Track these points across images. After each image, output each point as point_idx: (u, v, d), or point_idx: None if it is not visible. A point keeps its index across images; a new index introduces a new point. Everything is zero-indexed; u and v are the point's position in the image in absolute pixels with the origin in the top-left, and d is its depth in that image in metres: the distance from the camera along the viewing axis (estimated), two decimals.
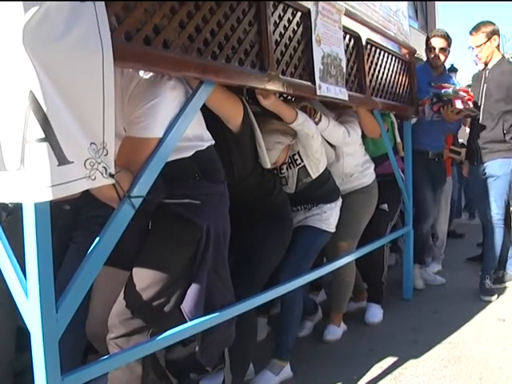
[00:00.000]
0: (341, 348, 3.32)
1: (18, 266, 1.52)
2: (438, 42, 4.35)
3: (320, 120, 2.96)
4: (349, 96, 2.88)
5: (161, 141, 1.77)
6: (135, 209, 1.64)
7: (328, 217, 3.09)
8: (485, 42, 4.08)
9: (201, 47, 1.89)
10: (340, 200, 3.21)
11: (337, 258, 3.24)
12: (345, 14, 2.88)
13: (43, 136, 1.30)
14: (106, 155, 1.49)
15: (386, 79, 3.47)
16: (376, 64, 3.34)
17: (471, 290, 4.33)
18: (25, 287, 1.45)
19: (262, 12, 2.22)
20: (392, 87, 3.58)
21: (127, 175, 1.66)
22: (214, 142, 2.18)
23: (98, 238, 1.56)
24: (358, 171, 3.48)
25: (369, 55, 3.23)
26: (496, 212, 4.17)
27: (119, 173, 1.55)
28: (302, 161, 2.96)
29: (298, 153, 2.95)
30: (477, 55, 4.18)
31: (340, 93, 2.76)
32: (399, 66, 3.70)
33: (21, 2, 1.25)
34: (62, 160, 1.34)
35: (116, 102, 1.52)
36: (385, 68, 3.46)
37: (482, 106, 4.17)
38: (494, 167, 4.13)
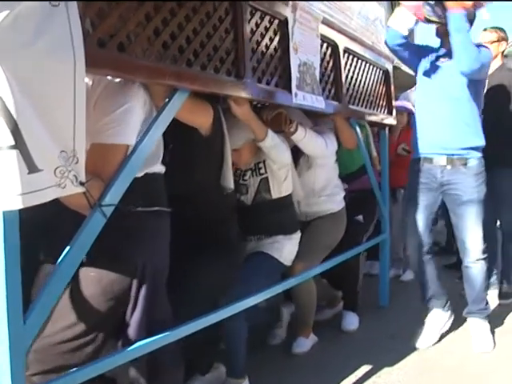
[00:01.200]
0: (315, 357, 3.30)
1: None
2: None
3: (296, 130, 2.92)
4: (325, 104, 2.88)
5: (134, 149, 1.75)
6: (106, 218, 1.62)
7: (280, 247, 2.91)
8: (493, 41, 4.15)
9: (176, 54, 1.88)
10: (298, 234, 3.05)
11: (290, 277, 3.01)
12: (322, 23, 2.89)
13: (13, 143, 1.27)
14: (76, 163, 1.46)
15: (363, 88, 3.49)
16: (353, 72, 3.36)
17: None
18: None
19: (238, 19, 2.22)
20: (369, 96, 3.60)
21: (98, 183, 1.63)
22: (164, 170, 2.04)
23: (67, 248, 1.54)
24: (328, 192, 3.40)
25: (346, 63, 3.25)
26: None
27: (90, 181, 1.53)
28: (266, 172, 2.90)
29: (264, 162, 2.89)
30: None
31: (316, 101, 2.76)
32: (377, 74, 3.72)
33: None
34: (31, 168, 1.32)
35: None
36: (362, 76, 3.49)
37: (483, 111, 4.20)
38: (502, 174, 4.10)
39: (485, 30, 4.25)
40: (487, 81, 4.17)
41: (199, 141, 2.36)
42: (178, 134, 2.14)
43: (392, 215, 5.03)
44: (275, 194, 2.91)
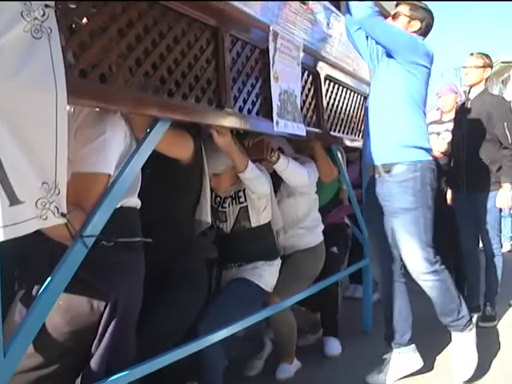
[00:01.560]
0: (299, 383, 3.28)
1: None
2: None
3: (278, 159, 2.93)
4: (306, 131, 2.90)
5: (115, 179, 1.76)
6: (88, 248, 1.62)
7: (261, 272, 2.87)
8: (478, 67, 4.24)
9: (157, 85, 1.90)
10: (279, 260, 3.03)
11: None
12: (304, 51, 2.92)
13: None
14: (57, 194, 1.47)
15: (344, 114, 3.54)
16: (334, 99, 3.40)
17: (433, 320, 4.33)
18: None
19: (219, 49, 2.25)
20: (351, 122, 3.64)
21: (79, 214, 1.64)
22: (140, 205, 2.02)
23: (49, 279, 1.53)
24: (308, 223, 3.36)
25: (327, 91, 3.29)
26: (493, 241, 4.25)
27: (71, 212, 1.53)
28: (246, 200, 2.89)
29: (244, 190, 2.88)
30: (466, 74, 4.33)
31: (298, 128, 2.79)
32: (358, 101, 3.77)
33: None
34: (13, 200, 1.33)
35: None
36: (343, 103, 3.53)
37: (464, 135, 4.29)
38: (481, 199, 4.20)
39: (471, 54, 4.35)
40: (469, 105, 4.27)
41: (177, 170, 2.34)
42: (156, 160, 2.10)
43: None
44: (254, 222, 2.90)
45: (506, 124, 4.07)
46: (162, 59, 1.93)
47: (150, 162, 2.01)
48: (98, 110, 1.80)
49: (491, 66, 4.37)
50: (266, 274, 2.90)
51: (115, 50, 1.72)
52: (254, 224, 2.90)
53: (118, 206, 1.83)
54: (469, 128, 4.26)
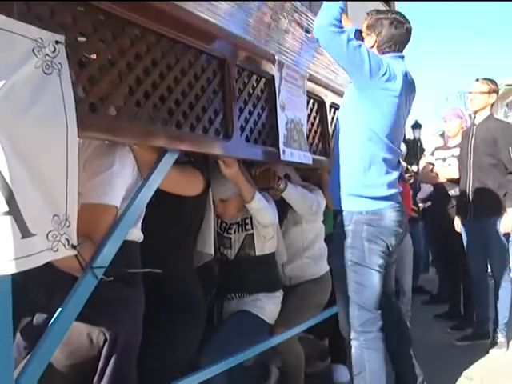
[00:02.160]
0: None
1: None
2: None
3: (286, 187, 2.94)
4: (313, 160, 2.93)
5: (124, 210, 1.78)
6: (98, 279, 1.64)
7: (262, 304, 2.82)
8: (483, 92, 4.29)
9: (166, 117, 1.93)
10: (280, 292, 2.96)
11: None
12: (309, 79, 2.96)
13: (7, 209, 1.31)
14: (68, 227, 1.49)
15: None
16: None
17: (440, 347, 4.32)
18: None
19: (226, 79, 2.28)
20: None
21: (89, 246, 1.66)
22: (142, 238, 2.02)
23: (59, 310, 1.55)
24: (315, 252, 3.28)
25: (333, 118, 3.31)
26: (501, 266, 4.27)
27: (81, 244, 1.55)
28: (252, 228, 2.86)
29: (251, 218, 2.85)
30: (471, 100, 4.38)
31: (304, 157, 2.81)
32: None
33: None
34: (25, 233, 1.35)
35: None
36: None
37: (471, 161, 4.32)
38: (488, 224, 4.21)
39: (477, 80, 4.39)
40: (474, 131, 4.29)
41: (182, 201, 2.33)
42: (160, 190, 2.10)
43: None
44: (259, 251, 2.87)
45: (511, 149, 4.09)
46: (169, 91, 1.96)
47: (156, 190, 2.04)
48: (107, 142, 1.84)
49: (497, 92, 4.41)
50: (268, 307, 2.85)
51: (124, 84, 1.76)
52: (258, 252, 2.87)
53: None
54: (475, 154, 4.29)
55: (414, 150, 16.40)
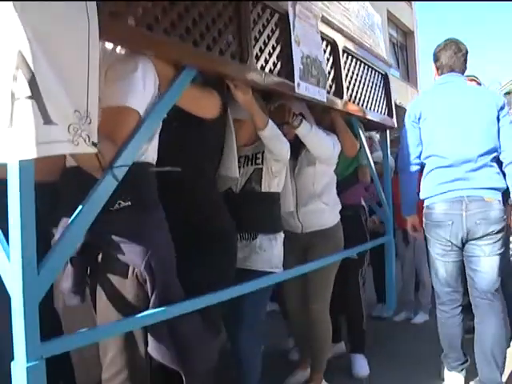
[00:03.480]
0: None
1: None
2: None
3: (300, 123, 2.90)
4: (327, 99, 2.93)
5: (145, 116, 1.80)
6: (118, 181, 1.66)
7: (269, 256, 2.78)
8: None
9: (183, 33, 1.94)
10: (281, 235, 2.89)
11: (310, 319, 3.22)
12: (321, 21, 2.96)
13: (30, 94, 1.33)
14: (89, 123, 1.51)
15: (362, 88, 3.54)
16: (353, 73, 3.41)
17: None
18: (7, 250, 1.45)
19: (241, 8, 2.29)
20: (369, 98, 3.65)
21: (110, 146, 1.67)
22: (155, 159, 2.00)
23: (80, 207, 1.58)
24: (331, 201, 3.27)
25: (345, 63, 3.31)
26: None
27: (102, 142, 1.57)
28: (262, 163, 2.82)
29: (263, 153, 2.82)
30: None
31: (318, 93, 2.81)
32: (376, 77, 3.79)
33: None
34: (46, 119, 1.36)
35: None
36: (361, 77, 3.54)
37: None
38: None
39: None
40: None
41: (203, 126, 2.35)
42: (181, 114, 2.15)
43: (404, 258, 5.09)
44: (265, 187, 2.80)
45: None
46: (186, 10, 1.97)
47: (177, 115, 2.05)
48: (127, 53, 1.86)
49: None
50: (273, 257, 2.80)
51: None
52: (264, 188, 2.81)
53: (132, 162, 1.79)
54: None
55: None
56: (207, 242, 2.34)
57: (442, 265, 3.14)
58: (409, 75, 20.80)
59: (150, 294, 1.82)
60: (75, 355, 2.26)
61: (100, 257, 1.84)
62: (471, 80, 3.96)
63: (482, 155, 3.03)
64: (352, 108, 3.33)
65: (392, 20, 18.44)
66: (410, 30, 20.78)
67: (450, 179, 3.06)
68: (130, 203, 1.80)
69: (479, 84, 4.05)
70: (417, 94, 19.65)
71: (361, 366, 3.64)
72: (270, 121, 2.65)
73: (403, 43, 20.67)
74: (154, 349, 1.85)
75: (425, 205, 3.21)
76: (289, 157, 2.84)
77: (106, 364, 1.82)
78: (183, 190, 2.32)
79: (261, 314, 2.81)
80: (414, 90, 20.12)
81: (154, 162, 2.00)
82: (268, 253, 2.77)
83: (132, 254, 1.80)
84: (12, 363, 1.44)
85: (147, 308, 1.81)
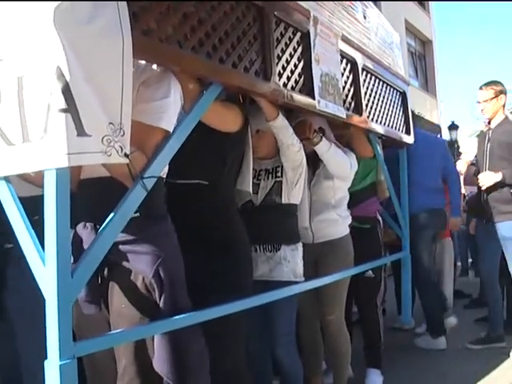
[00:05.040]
0: None
1: (35, 235, 1.60)
2: None
3: (320, 140, 2.96)
4: (346, 115, 3.00)
5: (173, 131, 1.89)
6: (147, 190, 1.73)
7: (293, 266, 2.81)
8: (491, 98, 4.20)
9: (210, 51, 2.03)
10: (301, 244, 2.92)
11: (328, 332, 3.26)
12: (341, 39, 3.04)
13: (65, 107, 1.42)
14: (122, 135, 1.59)
15: (381, 106, 3.61)
16: (371, 90, 3.49)
17: (479, 351, 4.25)
18: (42, 255, 1.52)
19: (265, 27, 2.37)
20: (387, 115, 3.71)
21: (141, 157, 1.76)
22: (166, 172, 2.04)
23: (111, 215, 1.65)
24: (344, 213, 3.28)
25: (364, 81, 3.38)
26: None
27: (134, 153, 1.65)
28: (282, 176, 2.85)
29: (282, 167, 2.84)
30: (482, 109, 4.30)
31: (338, 110, 2.89)
32: (394, 95, 3.85)
33: None
34: (80, 132, 1.45)
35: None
36: (380, 95, 3.61)
37: (486, 165, 4.24)
38: (504, 229, 4.13)
39: (480, 88, 4.28)
40: (490, 135, 4.25)
41: (223, 138, 2.40)
42: (202, 126, 2.19)
43: None
44: (285, 198, 2.83)
45: None
46: (213, 29, 2.06)
47: (197, 127, 2.12)
48: (160, 72, 1.94)
49: (504, 92, 4.28)
50: (297, 267, 2.85)
51: (173, 16, 1.87)
52: (284, 200, 2.83)
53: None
54: (490, 158, 4.22)
55: (452, 151, 16.40)
56: (219, 253, 2.38)
57: None
58: (427, 84, 20.78)
59: (158, 303, 1.86)
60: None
61: (110, 266, 1.89)
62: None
63: None
64: (370, 125, 3.39)
65: (410, 29, 18.47)
66: (429, 39, 20.80)
67: None
68: (138, 214, 1.84)
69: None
70: (436, 103, 19.65)
71: (375, 381, 3.64)
72: (280, 114, 2.65)
73: (421, 52, 20.68)
74: (156, 360, 1.88)
75: None
76: (301, 159, 2.84)
77: (120, 373, 1.88)
78: (197, 201, 2.38)
79: (293, 326, 2.88)
80: (432, 99, 20.13)
81: (165, 175, 2.05)
82: (292, 263, 2.82)
83: (141, 263, 1.86)
84: (45, 362, 1.50)
85: (155, 317, 1.86)
